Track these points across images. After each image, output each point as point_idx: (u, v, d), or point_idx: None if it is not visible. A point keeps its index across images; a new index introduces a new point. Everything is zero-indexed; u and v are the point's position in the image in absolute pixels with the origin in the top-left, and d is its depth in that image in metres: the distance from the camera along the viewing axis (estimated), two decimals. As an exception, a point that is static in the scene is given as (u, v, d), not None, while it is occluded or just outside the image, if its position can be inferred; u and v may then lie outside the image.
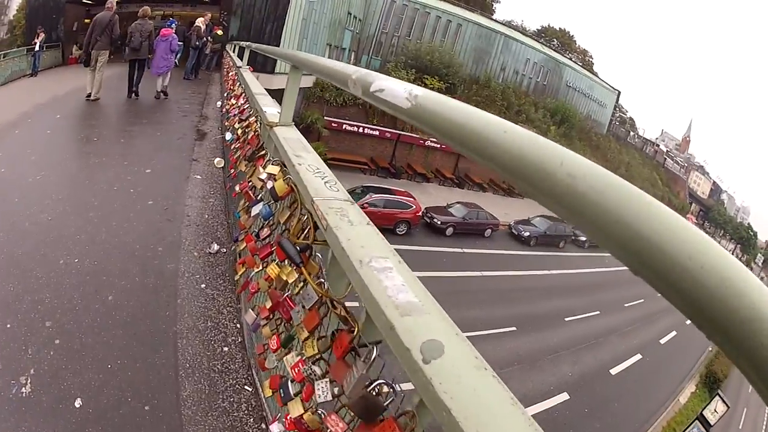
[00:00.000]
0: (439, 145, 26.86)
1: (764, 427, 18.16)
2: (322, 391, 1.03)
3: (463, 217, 20.44)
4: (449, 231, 19.67)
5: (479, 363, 0.78)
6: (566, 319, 16.01)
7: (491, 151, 0.52)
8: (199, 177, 5.11)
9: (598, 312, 17.58)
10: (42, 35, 13.06)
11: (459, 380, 0.72)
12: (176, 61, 10.03)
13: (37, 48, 12.88)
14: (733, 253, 0.54)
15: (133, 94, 8.75)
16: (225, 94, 7.23)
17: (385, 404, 0.88)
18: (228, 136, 4.09)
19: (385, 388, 0.90)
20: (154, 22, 9.04)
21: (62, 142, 6.05)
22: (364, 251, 0.98)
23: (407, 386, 0.87)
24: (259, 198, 2.15)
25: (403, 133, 25.46)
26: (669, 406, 14.36)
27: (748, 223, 59.60)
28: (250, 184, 2.34)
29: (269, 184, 1.84)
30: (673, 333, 19.49)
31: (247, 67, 5.94)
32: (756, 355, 0.29)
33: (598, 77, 38.46)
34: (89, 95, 8.04)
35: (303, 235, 1.29)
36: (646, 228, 0.35)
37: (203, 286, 3.09)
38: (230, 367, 2.35)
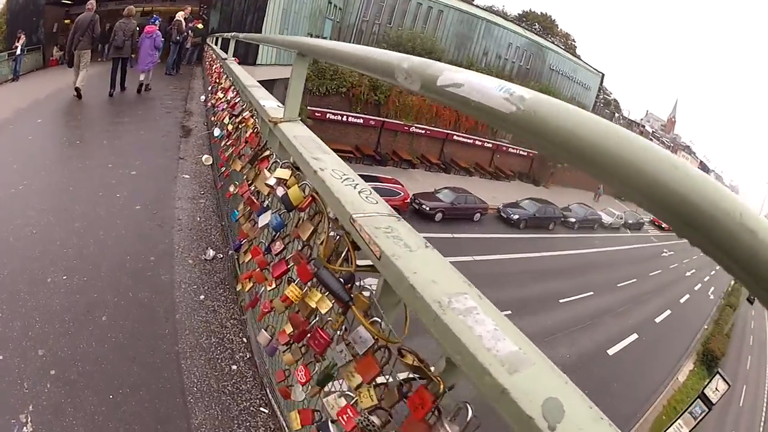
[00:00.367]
0: (423, 131, 26.70)
1: (764, 403, 18.50)
2: None
3: (452, 202, 20.36)
4: (438, 217, 19.58)
5: (595, 414, 0.64)
6: (560, 300, 16.11)
7: (659, 191, 0.41)
8: (187, 176, 4.88)
9: (591, 293, 17.74)
10: (23, 38, 12.66)
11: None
12: (159, 57, 10.09)
13: (18, 52, 12.46)
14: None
15: (120, 88, 8.95)
16: (209, 88, 6.97)
17: None
18: (216, 132, 3.85)
19: None
20: (136, 19, 9.09)
21: (44, 147, 5.75)
22: (438, 288, 0.80)
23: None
24: (265, 205, 1.96)
25: (387, 120, 25.21)
26: (668, 385, 14.60)
27: (738, 202, 60.80)
28: (252, 188, 2.14)
29: (279, 191, 1.65)
30: (668, 312, 19.81)
31: (233, 58, 5.67)
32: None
33: (581, 60, 38.48)
34: (78, 89, 8.14)
35: (340, 261, 1.07)
36: None
37: (202, 297, 2.88)
38: (241, 387, 2.17)
